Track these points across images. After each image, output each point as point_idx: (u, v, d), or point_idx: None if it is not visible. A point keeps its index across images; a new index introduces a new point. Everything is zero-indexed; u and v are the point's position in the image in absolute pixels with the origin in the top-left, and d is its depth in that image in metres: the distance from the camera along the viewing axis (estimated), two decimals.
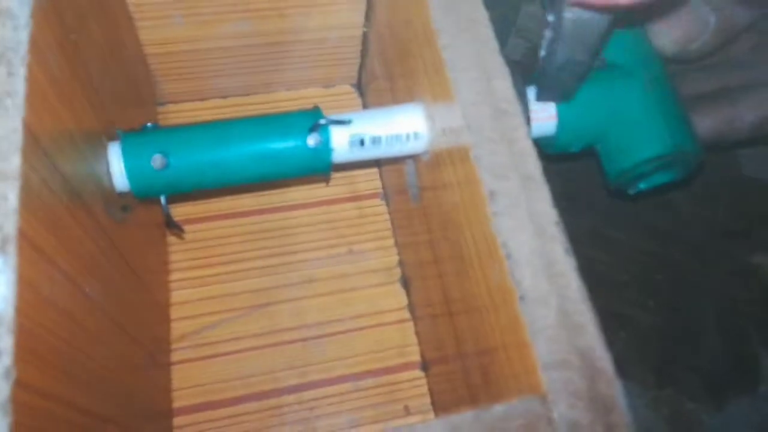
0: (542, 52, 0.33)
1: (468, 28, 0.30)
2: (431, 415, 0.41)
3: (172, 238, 0.45)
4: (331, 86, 0.51)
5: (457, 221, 0.30)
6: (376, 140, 0.33)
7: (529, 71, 0.36)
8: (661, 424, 0.43)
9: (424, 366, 0.42)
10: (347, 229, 0.46)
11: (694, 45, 0.35)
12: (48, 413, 0.20)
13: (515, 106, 0.28)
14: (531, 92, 0.35)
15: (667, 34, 0.36)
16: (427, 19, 0.30)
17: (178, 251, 0.44)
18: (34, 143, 0.21)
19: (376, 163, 0.49)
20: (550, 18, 0.32)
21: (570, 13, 0.30)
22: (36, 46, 0.22)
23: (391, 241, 0.46)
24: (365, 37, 0.46)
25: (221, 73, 0.47)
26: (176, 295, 0.43)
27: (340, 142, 0.33)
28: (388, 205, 0.47)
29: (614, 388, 0.23)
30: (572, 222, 0.25)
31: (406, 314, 0.44)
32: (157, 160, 0.30)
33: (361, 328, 0.43)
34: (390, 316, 0.44)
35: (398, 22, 0.36)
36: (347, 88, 0.51)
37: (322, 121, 0.32)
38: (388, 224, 0.47)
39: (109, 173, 0.30)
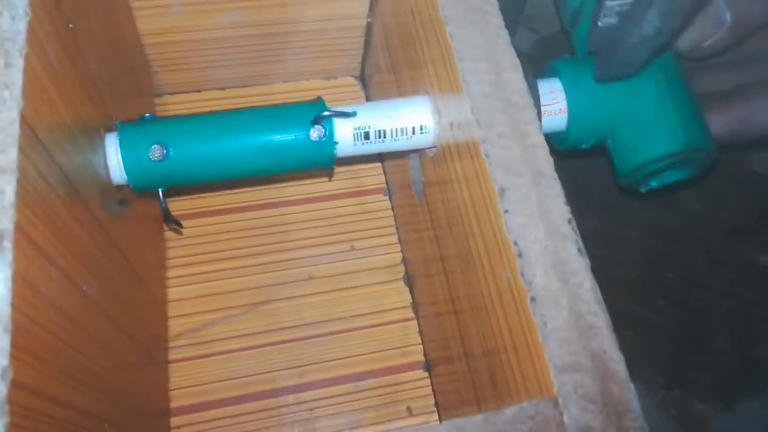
0: (605, 21, 0.31)
1: (477, 19, 0.29)
2: (434, 416, 0.40)
3: (169, 234, 0.44)
4: (333, 78, 0.50)
5: (464, 218, 0.29)
6: (381, 134, 0.32)
7: (538, 63, 0.35)
8: (669, 424, 0.43)
9: (428, 366, 0.42)
10: (349, 225, 0.45)
11: (708, 42, 0.35)
12: (44, 413, 0.20)
13: (527, 100, 0.27)
14: (542, 85, 0.34)
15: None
16: (434, 9, 0.30)
17: (175, 247, 0.44)
18: (31, 135, 0.20)
19: (379, 157, 0.48)
20: None
21: None
22: (34, 36, 0.21)
23: (395, 238, 0.45)
24: (369, 28, 0.45)
25: (219, 63, 0.46)
26: (173, 292, 0.42)
27: (344, 135, 0.32)
28: (391, 200, 0.47)
29: (627, 391, 0.23)
30: (580, 220, 0.25)
31: (410, 313, 0.43)
32: (155, 151, 0.30)
33: (363, 327, 0.42)
34: (393, 315, 0.43)
35: (404, 11, 0.35)
36: (349, 80, 0.50)
37: (326, 113, 0.31)
38: (392, 220, 0.46)
39: (106, 165, 0.29)
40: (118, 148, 0.29)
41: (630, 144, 0.35)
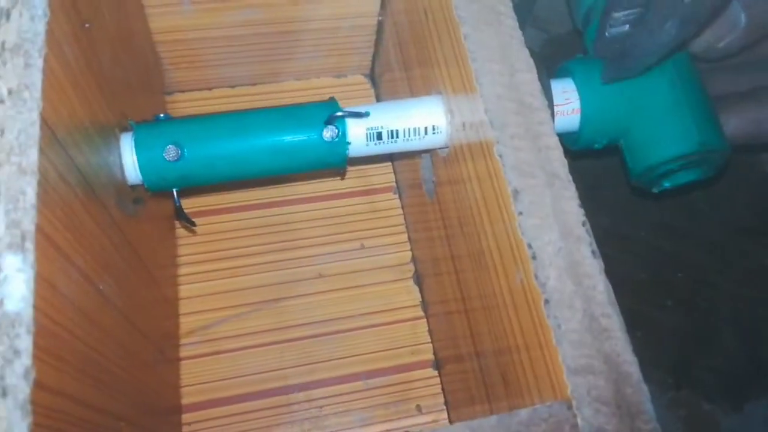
0: (612, 31, 0.31)
1: (491, 20, 0.29)
2: (444, 414, 0.40)
3: (180, 231, 0.44)
4: (343, 76, 0.50)
5: (476, 217, 0.29)
6: (393, 134, 0.32)
7: (547, 63, 0.35)
8: (678, 424, 0.43)
9: (437, 364, 0.42)
10: (359, 224, 0.45)
11: (723, 43, 0.35)
12: (66, 413, 0.20)
13: (540, 100, 0.27)
14: (555, 85, 0.34)
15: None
16: (448, 9, 0.30)
17: (186, 245, 0.44)
18: (51, 136, 0.20)
19: (390, 156, 0.48)
20: None
21: None
22: (53, 36, 0.22)
23: (404, 237, 0.45)
24: (380, 26, 0.45)
25: (230, 61, 0.46)
26: (184, 290, 0.42)
27: (357, 136, 0.32)
28: (401, 199, 0.47)
29: (641, 394, 0.23)
30: (590, 220, 0.25)
31: (419, 311, 0.43)
32: (170, 152, 0.30)
33: (373, 326, 0.43)
34: (402, 313, 0.43)
35: (416, 10, 0.35)
36: (360, 78, 0.50)
37: (339, 113, 0.31)
38: (401, 219, 0.46)
39: (121, 165, 0.29)
40: (134, 149, 0.29)
41: (643, 144, 0.35)
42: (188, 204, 0.45)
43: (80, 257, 0.22)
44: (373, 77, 0.50)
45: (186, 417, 0.39)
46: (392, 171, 0.48)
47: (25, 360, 0.17)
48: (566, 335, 0.23)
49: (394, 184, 0.47)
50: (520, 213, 0.25)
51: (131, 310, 0.29)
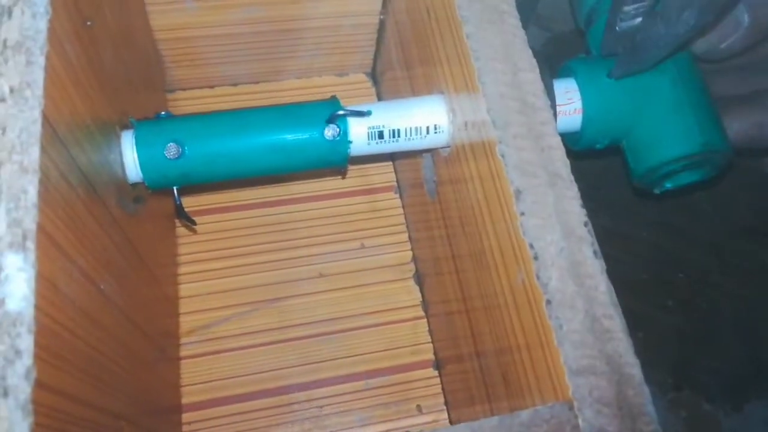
0: (622, 26, 0.31)
1: (494, 19, 0.29)
2: (444, 414, 0.40)
3: (180, 230, 0.44)
4: (345, 75, 0.50)
5: (478, 217, 0.29)
6: (395, 133, 0.32)
7: (550, 61, 0.35)
8: (679, 425, 0.42)
9: (438, 364, 0.42)
10: (360, 223, 0.45)
11: (725, 43, 0.34)
12: (67, 413, 0.20)
13: (543, 100, 0.27)
14: (557, 85, 0.34)
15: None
16: (451, 8, 0.30)
17: (187, 244, 0.44)
18: (52, 134, 0.20)
19: (391, 155, 0.48)
20: None
21: None
22: (54, 34, 0.21)
23: (405, 236, 0.45)
24: (381, 25, 0.45)
25: (232, 59, 0.46)
26: (185, 289, 0.42)
27: (359, 135, 0.32)
28: (402, 198, 0.47)
29: (642, 396, 0.23)
30: (591, 220, 0.25)
31: (420, 311, 0.43)
32: (171, 149, 0.30)
33: (373, 325, 0.42)
34: (403, 313, 0.43)
35: (418, 9, 0.35)
36: (361, 76, 0.50)
37: (341, 112, 0.31)
38: (402, 218, 0.46)
39: (122, 163, 0.29)
40: (134, 146, 0.29)
41: (645, 144, 0.35)
42: (189, 203, 0.45)
43: (81, 256, 0.22)
44: (374, 76, 0.50)
45: (186, 416, 0.39)
46: (393, 170, 0.48)
47: (27, 360, 0.17)
48: (568, 336, 0.23)
49: (395, 183, 0.47)
50: (522, 213, 0.25)
51: (132, 309, 0.29)
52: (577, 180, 0.25)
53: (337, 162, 0.32)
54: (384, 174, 0.47)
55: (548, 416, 0.22)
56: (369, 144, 0.32)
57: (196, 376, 0.40)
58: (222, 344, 0.41)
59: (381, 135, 0.32)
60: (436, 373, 0.42)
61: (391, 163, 0.48)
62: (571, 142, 0.36)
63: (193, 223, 0.36)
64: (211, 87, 0.49)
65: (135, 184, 0.31)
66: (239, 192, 0.46)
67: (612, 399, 0.22)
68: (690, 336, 0.46)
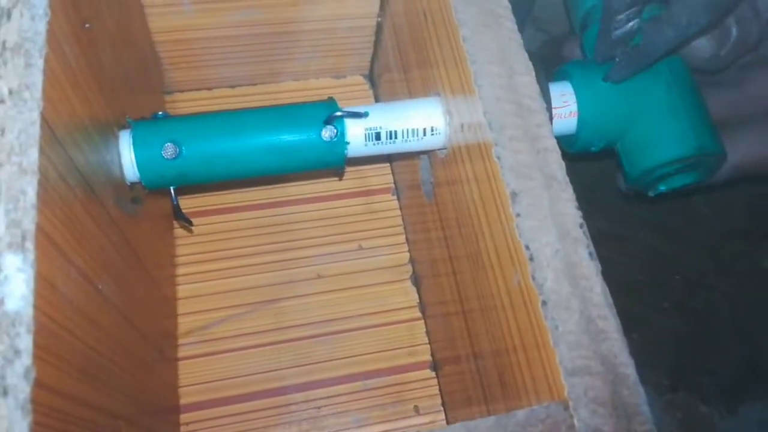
0: (616, 33, 0.31)
1: (490, 23, 0.29)
2: (441, 415, 0.40)
3: (178, 231, 0.44)
4: (342, 77, 0.50)
5: (474, 218, 0.29)
6: (392, 134, 0.32)
7: (547, 63, 0.35)
8: (675, 427, 0.43)
9: (435, 365, 0.42)
10: (357, 225, 0.46)
11: (722, 52, 0.35)
12: (65, 412, 0.20)
13: (539, 103, 0.27)
14: (553, 88, 0.34)
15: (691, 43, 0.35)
16: (447, 11, 0.30)
17: (184, 245, 0.44)
18: (51, 136, 0.20)
19: (388, 157, 0.48)
20: None
21: None
22: (53, 36, 0.22)
23: (402, 238, 0.45)
24: (379, 27, 0.45)
25: (230, 61, 0.46)
26: (183, 290, 0.42)
27: (356, 136, 0.32)
28: (399, 200, 0.47)
29: (637, 396, 0.23)
30: (587, 222, 0.25)
31: (417, 313, 0.43)
32: (168, 149, 0.30)
33: (371, 327, 0.43)
34: (400, 315, 0.43)
35: (415, 12, 0.35)
36: (358, 79, 0.50)
37: (338, 113, 0.31)
38: (399, 220, 0.46)
39: (120, 163, 0.29)
40: (132, 146, 0.29)
41: (640, 147, 0.35)
42: (186, 204, 0.45)
43: (79, 257, 0.22)
44: (372, 78, 0.50)
45: (184, 417, 0.39)
46: (390, 172, 0.48)
47: (26, 359, 0.17)
48: (563, 336, 0.23)
49: (392, 185, 0.47)
50: (518, 214, 0.25)
51: (130, 310, 0.29)
52: (573, 182, 0.26)
53: (334, 163, 0.33)
54: (381, 176, 0.47)
55: (544, 416, 0.23)
56: (366, 145, 0.32)
57: (194, 377, 0.40)
58: (220, 345, 0.41)
59: (378, 136, 0.32)
60: (433, 374, 0.42)
61: (388, 164, 0.48)
62: (566, 144, 0.36)
63: (191, 223, 0.36)
64: (209, 89, 0.49)
65: (132, 185, 0.31)
66: (237, 194, 0.46)
67: (607, 399, 0.22)
68: (686, 338, 0.46)
